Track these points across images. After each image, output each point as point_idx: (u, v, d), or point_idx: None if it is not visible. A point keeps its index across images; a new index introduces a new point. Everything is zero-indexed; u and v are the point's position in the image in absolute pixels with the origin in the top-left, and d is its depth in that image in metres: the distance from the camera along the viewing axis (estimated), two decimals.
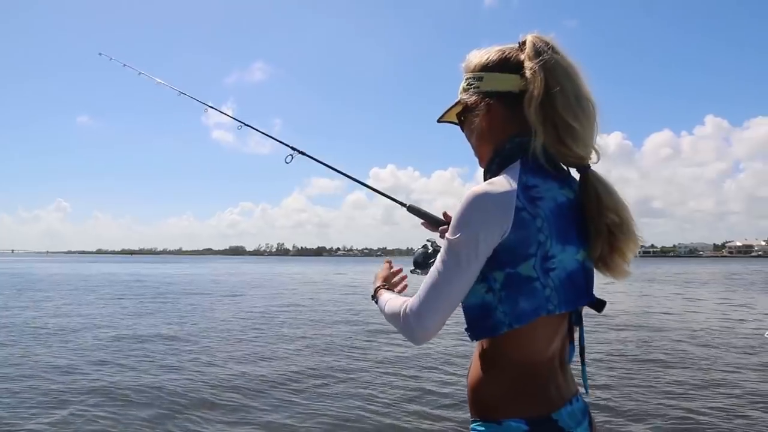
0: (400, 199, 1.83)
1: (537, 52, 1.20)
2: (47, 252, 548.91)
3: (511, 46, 1.28)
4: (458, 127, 1.40)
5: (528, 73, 1.20)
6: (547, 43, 1.22)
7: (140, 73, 3.32)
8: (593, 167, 1.23)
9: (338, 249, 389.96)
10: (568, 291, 1.18)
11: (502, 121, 1.26)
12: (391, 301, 1.33)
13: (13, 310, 15.48)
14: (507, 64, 1.25)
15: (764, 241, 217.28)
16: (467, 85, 1.31)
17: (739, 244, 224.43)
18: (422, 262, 1.59)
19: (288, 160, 2.13)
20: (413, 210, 1.75)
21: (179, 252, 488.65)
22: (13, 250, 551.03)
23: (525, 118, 1.20)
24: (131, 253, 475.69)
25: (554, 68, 1.19)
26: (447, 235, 1.16)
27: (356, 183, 2.01)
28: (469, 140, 1.36)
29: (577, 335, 1.28)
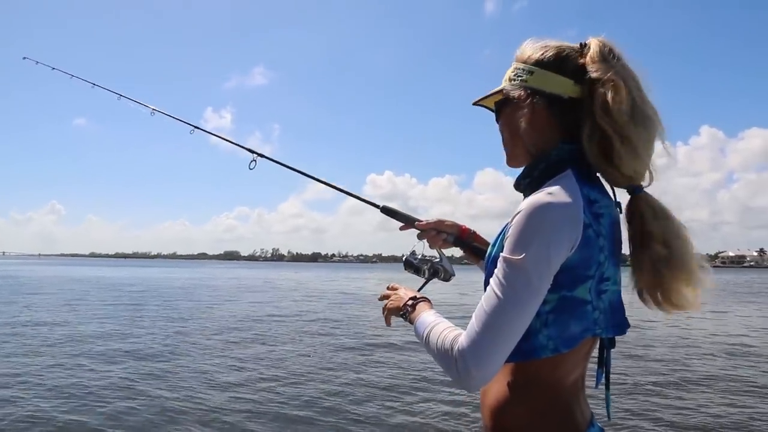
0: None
1: (603, 58, 1.11)
2: (39, 255, 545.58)
3: (571, 45, 1.17)
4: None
5: (596, 77, 1.09)
6: (611, 50, 1.12)
7: (72, 76, 3.24)
8: (646, 189, 1.13)
9: (333, 255, 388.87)
10: (616, 314, 1.12)
11: (545, 124, 1.15)
12: (436, 327, 1.12)
13: None
14: (564, 66, 1.14)
15: (756, 251, 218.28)
16: (514, 75, 1.19)
17: (732, 254, 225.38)
18: (413, 263, 1.54)
19: (252, 166, 2.04)
20: (387, 211, 1.67)
21: (173, 256, 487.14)
22: (3, 252, 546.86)
23: (568, 125, 1.12)
24: (125, 256, 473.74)
25: (617, 77, 1.09)
26: (505, 254, 1.01)
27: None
28: (501, 132, 1.25)
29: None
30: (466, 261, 1.59)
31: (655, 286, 1.10)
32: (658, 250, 1.07)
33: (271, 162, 2.07)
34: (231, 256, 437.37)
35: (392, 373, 8.32)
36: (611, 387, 1.22)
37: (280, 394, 6.93)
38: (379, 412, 6.27)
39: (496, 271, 1.03)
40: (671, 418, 6.12)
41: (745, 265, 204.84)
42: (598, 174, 1.14)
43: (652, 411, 6.38)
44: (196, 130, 2.43)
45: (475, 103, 1.30)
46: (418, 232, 1.58)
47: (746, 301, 24.51)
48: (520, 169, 1.22)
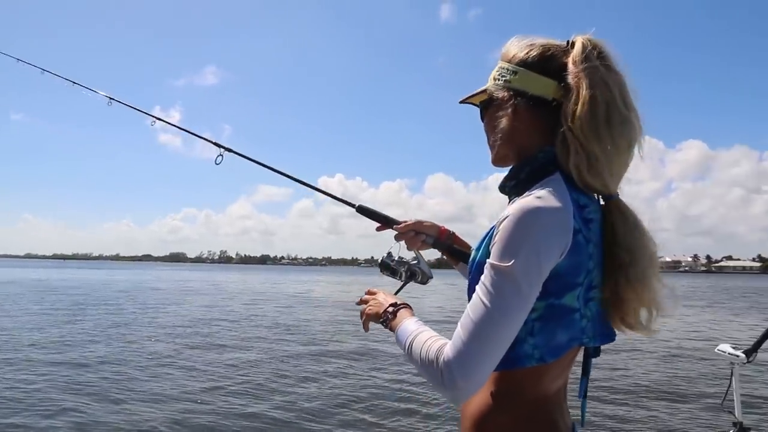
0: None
1: (585, 59, 1.05)
2: None
3: (558, 44, 1.12)
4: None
5: (571, 80, 1.04)
6: (595, 49, 1.07)
7: (19, 60, 3.11)
8: (621, 196, 1.09)
9: (282, 257, 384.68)
10: (604, 323, 1.09)
11: (529, 126, 1.11)
12: (419, 336, 1.06)
13: None
14: (548, 66, 1.09)
15: (690, 257, 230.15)
16: (498, 75, 1.15)
17: (668, 259, 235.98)
18: (390, 265, 1.50)
19: (218, 161, 1.97)
20: (363, 210, 1.62)
21: (116, 258, 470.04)
22: None
23: (553, 127, 1.06)
24: (64, 258, 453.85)
25: (594, 81, 1.03)
26: (493, 261, 0.96)
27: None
28: (486, 132, 1.20)
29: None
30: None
31: (613, 301, 1.07)
32: (623, 258, 1.04)
33: (236, 158, 2.00)
34: (177, 258, 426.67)
35: (344, 373, 8.30)
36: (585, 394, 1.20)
37: (232, 394, 6.79)
38: (336, 411, 6.24)
39: (482, 278, 0.98)
40: (615, 414, 6.36)
41: (680, 270, 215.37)
42: None
43: (599, 412, 6.60)
44: (157, 121, 2.31)
45: (461, 102, 1.26)
46: (396, 233, 1.52)
47: (683, 305, 25.76)
48: (505, 172, 1.18)
